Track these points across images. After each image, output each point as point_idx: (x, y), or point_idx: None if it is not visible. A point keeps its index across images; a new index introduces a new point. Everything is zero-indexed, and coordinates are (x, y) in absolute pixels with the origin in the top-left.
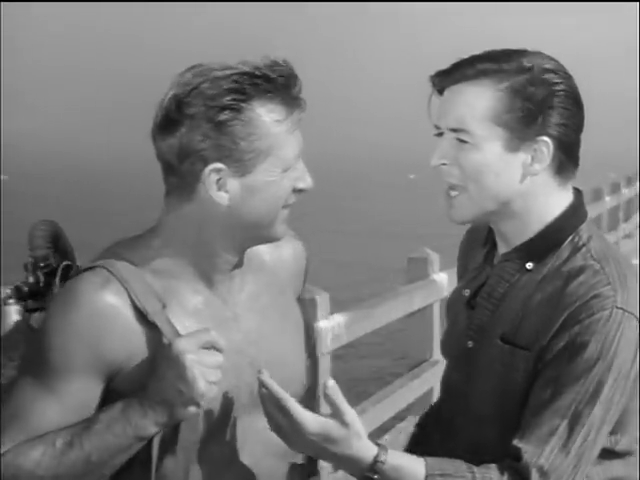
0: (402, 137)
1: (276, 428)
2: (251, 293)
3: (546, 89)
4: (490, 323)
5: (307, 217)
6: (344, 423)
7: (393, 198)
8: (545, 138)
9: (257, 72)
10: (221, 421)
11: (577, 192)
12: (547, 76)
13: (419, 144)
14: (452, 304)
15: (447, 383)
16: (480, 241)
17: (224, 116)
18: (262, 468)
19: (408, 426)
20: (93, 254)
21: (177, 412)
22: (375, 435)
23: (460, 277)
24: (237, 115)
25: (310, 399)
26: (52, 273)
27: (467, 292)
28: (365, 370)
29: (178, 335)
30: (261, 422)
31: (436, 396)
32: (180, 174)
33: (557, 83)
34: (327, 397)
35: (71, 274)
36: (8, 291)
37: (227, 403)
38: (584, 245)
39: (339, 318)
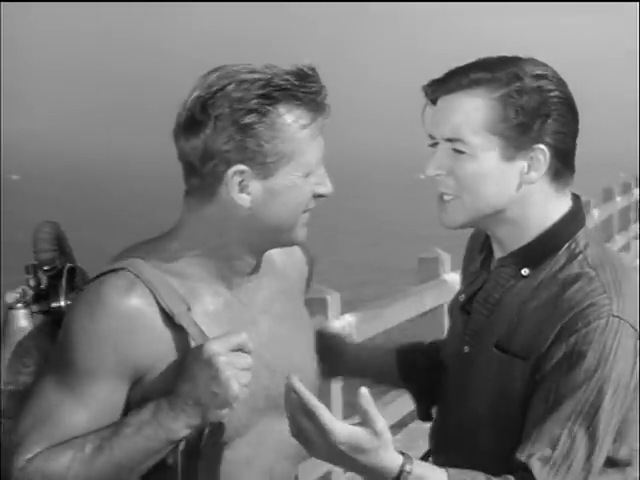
0: (411, 138)
1: (297, 433)
2: (265, 297)
3: (540, 97)
4: (485, 328)
5: (315, 218)
6: (375, 433)
7: (402, 199)
8: (541, 146)
9: (285, 77)
10: (238, 424)
11: (575, 198)
12: (541, 83)
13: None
14: (451, 309)
15: (444, 388)
16: (480, 247)
17: (250, 119)
18: (277, 472)
19: (418, 427)
20: (94, 254)
21: (210, 414)
22: None
23: (463, 282)
24: (262, 118)
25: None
26: (56, 276)
27: (462, 297)
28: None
29: (205, 337)
30: (276, 425)
31: None
32: (202, 175)
33: (551, 90)
34: (359, 406)
35: (80, 277)
36: (17, 295)
37: (244, 406)
38: (581, 252)
39: (349, 318)
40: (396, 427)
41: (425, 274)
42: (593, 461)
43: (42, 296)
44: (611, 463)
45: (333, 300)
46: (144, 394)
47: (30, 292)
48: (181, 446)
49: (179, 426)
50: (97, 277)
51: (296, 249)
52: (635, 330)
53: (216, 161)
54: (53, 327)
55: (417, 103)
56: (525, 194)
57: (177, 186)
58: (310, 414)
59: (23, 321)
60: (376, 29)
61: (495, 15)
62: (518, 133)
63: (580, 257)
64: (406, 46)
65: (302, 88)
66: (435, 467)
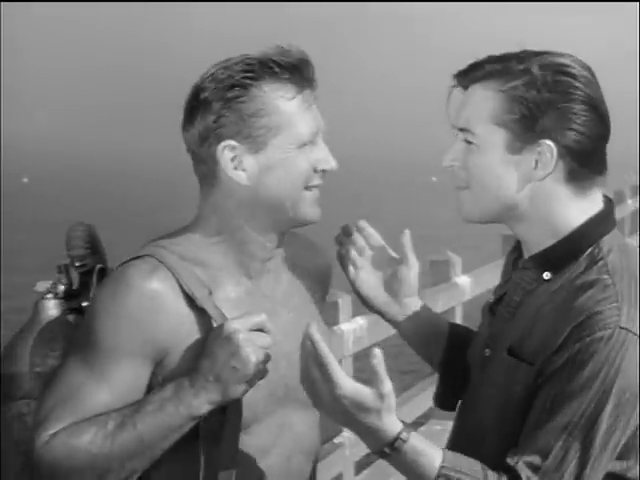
0: (425, 140)
1: (306, 382)
2: (285, 291)
3: (552, 92)
4: (504, 332)
5: (326, 218)
6: (380, 394)
7: (412, 200)
8: (548, 142)
9: (266, 55)
10: (257, 409)
11: (607, 202)
12: (556, 79)
13: (441, 147)
14: (483, 310)
15: (466, 389)
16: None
17: (233, 93)
18: (293, 463)
19: (429, 430)
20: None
21: (230, 390)
22: None
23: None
24: (245, 92)
25: None
26: (87, 273)
27: (492, 299)
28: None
29: (225, 319)
30: (294, 418)
31: None
32: (203, 160)
33: (569, 87)
34: (371, 365)
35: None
36: (47, 285)
37: (265, 394)
38: (602, 258)
39: (361, 321)
40: None
41: (436, 277)
42: (584, 477)
43: (73, 295)
44: None
45: (344, 303)
46: (166, 376)
47: (62, 287)
48: (201, 430)
49: (200, 402)
50: (122, 264)
51: (320, 256)
52: None
53: (210, 141)
54: (81, 318)
55: (428, 104)
56: (538, 192)
57: (176, 186)
58: (320, 364)
59: (53, 310)
60: (382, 29)
61: (495, 15)
62: (523, 126)
63: (600, 263)
64: (420, 48)
65: (283, 62)
66: (434, 446)
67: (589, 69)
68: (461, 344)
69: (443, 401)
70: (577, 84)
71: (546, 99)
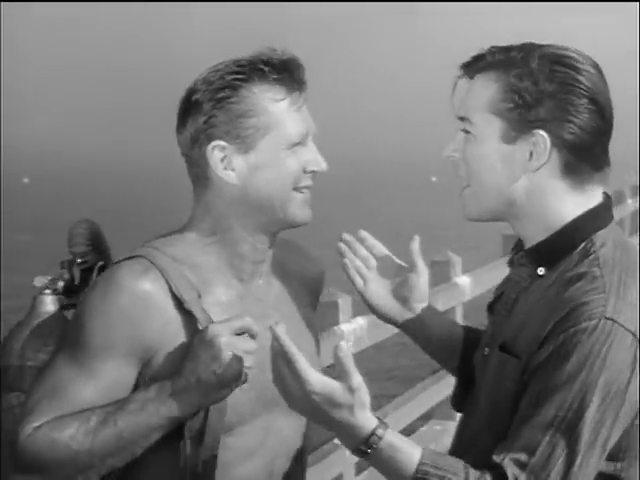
0: (424, 140)
1: (277, 381)
2: (277, 296)
3: (549, 82)
4: (500, 329)
5: (329, 220)
6: (350, 388)
7: (414, 200)
8: (541, 132)
9: (256, 57)
10: (242, 411)
11: (605, 198)
12: (555, 69)
13: (441, 146)
14: (486, 309)
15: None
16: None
17: (221, 94)
18: (277, 467)
19: (430, 430)
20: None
21: (211, 394)
22: None
23: None
24: (234, 93)
25: None
26: (88, 270)
27: (492, 298)
28: (387, 371)
29: (212, 322)
30: (280, 423)
31: None
32: (195, 161)
33: (567, 78)
34: (336, 358)
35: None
36: (45, 280)
37: (251, 397)
38: (594, 252)
39: (361, 321)
40: (407, 430)
41: (437, 277)
42: (572, 474)
43: (74, 291)
44: None
45: (344, 303)
46: (152, 376)
47: (61, 283)
48: (186, 430)
49: (181, 404)
50: (115, 264)
51: (312, 264)
52: (635, 336)
53: (200, 142)
54: None
55: (429, 104)
56: (534, 185)
57: (175, 187)
58: (288, 361)
59: (50, 306)
60: (383, 27)
61: (495, 15)
62: (517, 115)
63: (592, 256)
64: (421, 45)
65: (273, 64)
66: (412, 442)
67: (594, 64)
68: (476, 347)
69: (459, 403)
70: (578, 76)
71: (542, 89)
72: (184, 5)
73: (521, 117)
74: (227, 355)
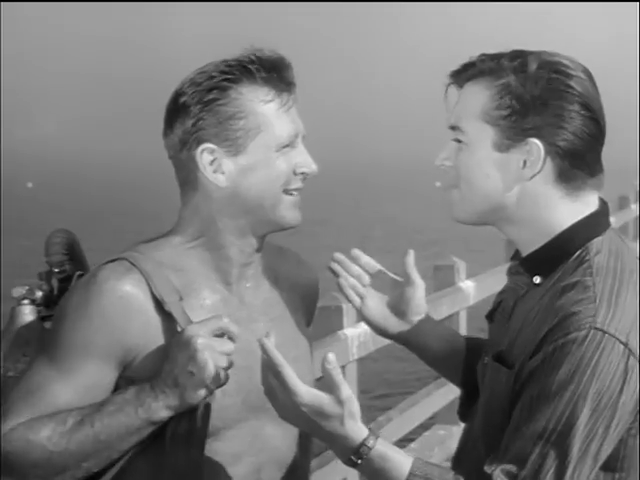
0: (428, 144)
1: (268, 392)
2: (265, 300)
3: (542, 90)
4: (498, 338)
5: (330, 223)
6: (339, 400)
7: (419, 205)
8: (535, 140)
9: (244, 58)
10: (230, 419)
11: (601, 205)
12: (548, 76)
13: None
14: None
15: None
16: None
17: (210, 96)
18: (265, 473)
19: (434, 435)
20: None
21: (188, 395)
22: (401, 444)
23: None
24: (222, 94)
25: None
26: (66, 280)
27: (492, 306)
28: (392, 375)
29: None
30: (268, 429)
31: None
32: (182, 164)
33: (560, 85)
34: (325, 370)
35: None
36: (23, 291)
37: (237, 402)
38: (588, 260)
39: (365, 326)
40: (412, 435)
41: (441, 281)
42: None
43: (53, 301)
44: None
45: (349, 308)
46: (132, 378)
47: (39, 292)
48: (169, 435)
49: (158, 406)
50: (97, 267)
51: (306, 270)
52: (626, 346)
53: (189, 145)
54: None
55: (433, 107)
56: (526, 193)
57: (175, 192)
58: (276, 373)
59: (29, 316)
60: (384, 35)
61: (494, 15)
62: (510, 124)
63: (586, 265)
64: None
65: (261, 65)
66: (403, 452)
67: (585, 70)
68: (478, 357)
69: (465, 413)
70: (570, 83)
71: (536, 97)
72: (186, 6)
73: (514, 125)
74: (203, 356)
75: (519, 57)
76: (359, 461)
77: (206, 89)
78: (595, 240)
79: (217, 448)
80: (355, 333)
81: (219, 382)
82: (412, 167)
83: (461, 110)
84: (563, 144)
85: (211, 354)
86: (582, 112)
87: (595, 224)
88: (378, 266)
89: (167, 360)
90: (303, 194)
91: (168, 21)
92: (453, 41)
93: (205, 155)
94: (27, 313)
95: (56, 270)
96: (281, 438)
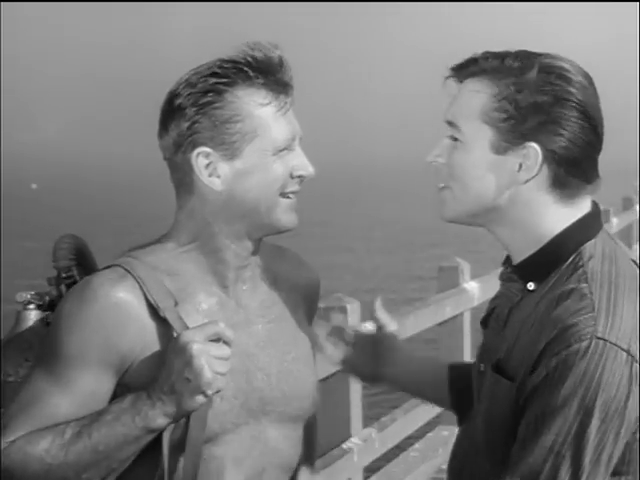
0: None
1: None
2: (264, 301)
3: (544, 95)
4: (494, 346)
5: (333, 224)
6: None
7: (419, 207)
8: (533, 144)
9: (240, 58)
10: (229, 423)
11: (593, 207)
12: (549, 81)
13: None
14: (480, 324)
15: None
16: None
17: (206, 98)
18: (268, 476)
19: (437, 435)
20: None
21: (185, 402)
22: (405, 444)
23: None
24: (218, 98)
25: (314, 416)
26: (74, 285)
27: (485, 312)
28: None
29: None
30: (270, 432)
31: None
32: (178, 167)
33: (561, 91)
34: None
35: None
36: (28, 296)
37: (236, 406)
38: (582, 266)
39: (370, 326)
40: (415, 436)
41: (445, 283)
42: None
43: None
44: None
45: (353, 309)
46: (129, 386)
47: (47, 298)
48: (166, 440)
49: (156, 414)
50: (91, 274)
51: (305, 270)
52: (628, 353)
53: (184, 148)
54: None
55: (433, 111)
56: (519, 196)
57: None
58: None
59: (34, 321)
60: (384, 36)
61: (490, 15)
62: (510, 126)
63: (580, 271)
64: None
65: (258, 67)
66: None
67: (587, 76)
68: (464, 380)
69: (462, 420)
70: (571, 89)
71: (537, 101)
72: (186, 5)
73: (514, 128)
74: (199, 361)
75: (523, 58)
76: None
77: (201, 91)
78: (588, 244)
79: (216, 452)
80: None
81: (216, 388)
82: (410, 168)
83: (460, 107)
84: (560, 150)
85: (207, 360)
86: (581, 119)
87: (587, 227)
88: (353, 328)
89: (163, 367)
90: (301, 196)
91: (168, 21)
92: (450, 41)
93: (200, 159)
94: (32, 318)
95: (64, 275)
96: (283, 440)
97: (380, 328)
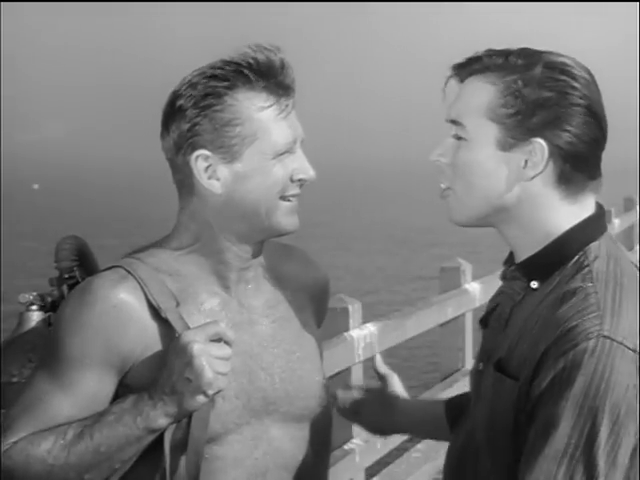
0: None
1: None
2: (267, 301)
3: (550, 91)
4: (495, 345)
5: (335, 225)
6: None
7: (419, 208)
8: (540, 140)
9: (242, 60)
10: (231, 423)
11: (598, 208)
12: (554, 77)
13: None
14: (479, 324)
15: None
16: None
17: (206, 101)
18: (272, 476)
19: None
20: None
21: (186, 402)
22: (406, 445)
23: None
24: (219, 100)
25: (325, 416)
26: (76, 285)
27: (485, 311)
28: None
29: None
30: (273, 432)
31: None
32: (179, 168)
33: (567, 87)
34: None
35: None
36: (30, 297)
37: (238, 406)
38: (587, 265)
39: (371, 327)
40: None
41: (446, 283)
42: None
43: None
44: None
45: (355, 310)
46: (131, 386)
47: (49, 299)
48: (167, 440)
49: (157, 414)
50: (92, 275)
51: (313, 270)
52: (635, 352)
53: (184, 150)
54: None
55: (433, 112)
56: (526, 193)
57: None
58: None
59: (37, 322)
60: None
61: (488, 15)
62: (516, 123)
63: (585, 270)
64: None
65: (259, 70)
66: None
67: (589, 72)
68: (462, 412)
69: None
70: (576, 85)
71: (543, 97)
72: (186, 5)
73: (520, 124)
74: (200, 362)
75: (527, 55)
76: None
77: (202, 94)
78: (592, 245)
79: (218, 452)
80: (361, 335)
81: (217, 388)
82: (410, 169)
83: (463, 105)
84: (566, 146)
85: (208, 360)
86: (586, 115)
87: (593, 228)
88: (354, 392)
89: (164, 367)
90: (301, 196)
91: (168, 23)
92: (450, 41)
93: (200, 161)
94: (35, 319)
95: (66, 276)
96: (288, 441)
97: (383, 379)
